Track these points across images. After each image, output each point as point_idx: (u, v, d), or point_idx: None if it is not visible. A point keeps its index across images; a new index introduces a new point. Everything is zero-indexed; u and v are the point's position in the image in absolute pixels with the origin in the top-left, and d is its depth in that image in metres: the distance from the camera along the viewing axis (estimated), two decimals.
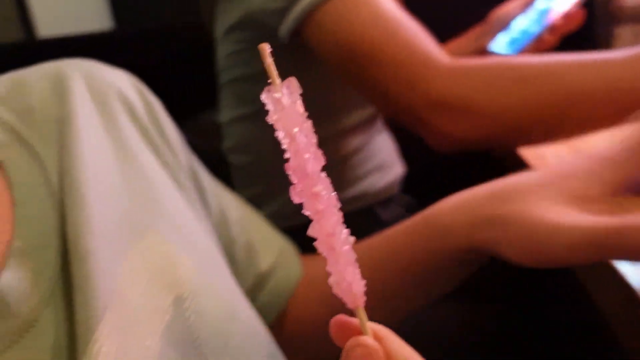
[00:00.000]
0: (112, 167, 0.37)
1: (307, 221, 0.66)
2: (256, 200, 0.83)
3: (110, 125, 0.40)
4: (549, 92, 0.58)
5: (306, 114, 0.22)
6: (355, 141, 0.86)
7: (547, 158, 0.74)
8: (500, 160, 0.98)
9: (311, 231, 0.23)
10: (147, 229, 0.36)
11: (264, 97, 0.22)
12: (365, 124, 0.88)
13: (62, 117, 0.37)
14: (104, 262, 0.32)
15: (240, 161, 0.87)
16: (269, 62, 0.21)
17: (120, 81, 0.43)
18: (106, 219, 0.34)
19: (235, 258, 0.47)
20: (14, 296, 0.28)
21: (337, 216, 0.23)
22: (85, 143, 0.36)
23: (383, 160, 0.92)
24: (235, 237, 0.47)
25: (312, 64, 0.74)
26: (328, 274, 0.24)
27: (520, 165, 0.79)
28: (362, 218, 0.88)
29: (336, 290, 0.24)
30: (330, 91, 0.80)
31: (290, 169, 0.23)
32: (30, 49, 1.08)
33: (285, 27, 0.67)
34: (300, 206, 0.77)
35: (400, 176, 0.96)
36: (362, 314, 0.24)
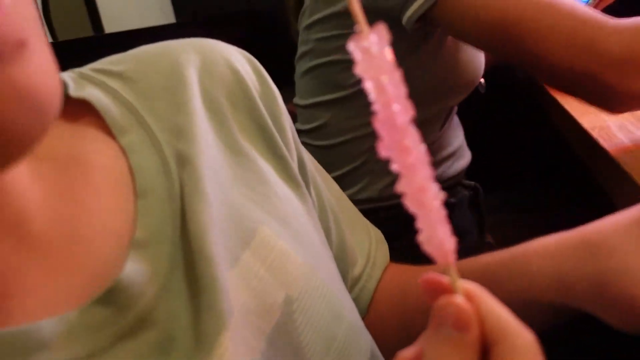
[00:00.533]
0: (222, 159, 0.36)
1: (385, 206, 0.65)
2: None
3: (218, 115, 0.38)
4: None
5: (395, 63, 0.21)
6: (434, 130, 0.87)
7: (611, 129, 0.72)
8: (561, 140, 0.95)
9: (400, 186, 0.22)
10: (260, 225, 0.35)
11: (351, 45, 0.21)
12: (445, 114, 0.88)
13: (177, 101, 0.36)
14: (224, 263, 0.31)
15: (317, 144, 0.88)
16: (357, 8, 0.20)
17: (238, 63, 0.40)
18: (223, 217, 0.33)
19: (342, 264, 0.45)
20: (134, 288, 0.29)
21: (427, 170, 0.22)
22: (200, 131, 0.35)
23: (454, 149, 0.93)
24: (331, 233, 0.45)
25: (410, 54, 0.76)
26: (418, 231, 0.23)
27: (584, 139, 0.76)
28: None
29: (426, 247, 0.23)
30: (421, 80, 0.80)
31: (378, 121, 0.22)
32: (99, 43, 1.12)
33: (413, 11, 0.67)
34: (377, 192, 0.76)
35: (467, 164, 0.96)
36: (453, 271, 0.23)
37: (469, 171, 1.00)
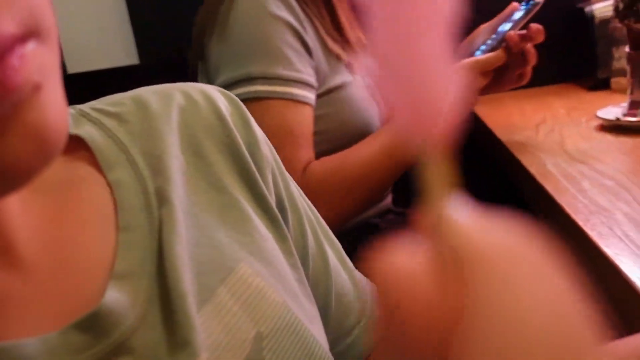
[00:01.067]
0: (204, 197, 0.38)
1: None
2: None
3: (199, 153, 0.39)
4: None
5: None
6: None
7: (547, 166, 0.79)
8: (500, 168, 1.02)
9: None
10: (239, 263, 0.36)
11: None
12: None
13: (158, 140, 0.38)
14: (197, 300, 0.33)
15: None
16: None
17: (221, 103, 0.42)
18: (200, 255, 0.35)
19: (330, 308, 0.45)
20: (112, 316, 0.30)
21: None
22: (174, 168, 0.37)
23: None
24: (331, 286, 0.45)
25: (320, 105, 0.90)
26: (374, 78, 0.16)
27: (519, 170, 0.83)
28: (361, 230, 0.96)
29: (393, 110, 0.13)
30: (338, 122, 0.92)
31: None
32: (62, 84, 1.14)
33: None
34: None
35: (390, 189, 1.03)
36: (437, 167, 0.14)
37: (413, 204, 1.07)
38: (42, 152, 0.23)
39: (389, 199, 1.04)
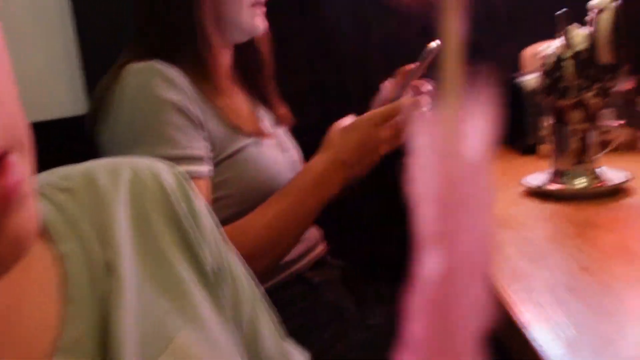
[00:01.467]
0: (146, 270, 0.40)
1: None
2: None
3: (144, 226, 0.42)
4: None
5: None
6: None
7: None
8: None
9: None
10: (178, 332, 0.38)
11: None
12: None
13: (107, 212, 0.40)
14: None
15: None
16: None
17: (165, 178, 0.45)
18: (142, 325, 0.37)
19: None
20: None
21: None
22: (123, 242, 0.39)
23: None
24: (259, 352, 0.47)
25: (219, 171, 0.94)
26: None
27: None
28: (294, 285, 0.97)
29: None
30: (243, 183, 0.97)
31: None
32: None
33: None
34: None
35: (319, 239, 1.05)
36: None
37: (350, 257, 1.08)
38: (19, 253, 0.25)
39: (320, 249, 1.05)
